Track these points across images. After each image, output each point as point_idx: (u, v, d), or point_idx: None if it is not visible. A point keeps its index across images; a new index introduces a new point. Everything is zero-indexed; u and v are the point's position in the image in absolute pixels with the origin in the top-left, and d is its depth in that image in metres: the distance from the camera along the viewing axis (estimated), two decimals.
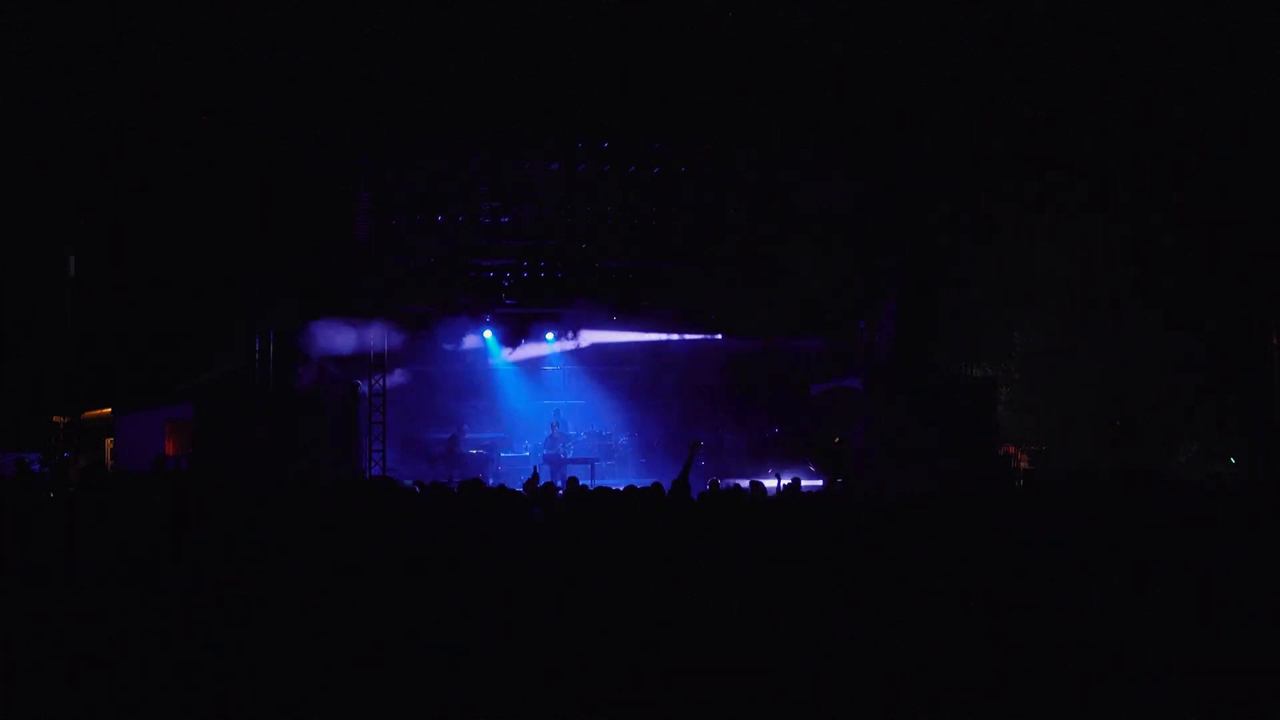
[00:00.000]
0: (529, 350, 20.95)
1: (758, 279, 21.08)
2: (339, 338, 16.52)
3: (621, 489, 8.05)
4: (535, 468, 14.34)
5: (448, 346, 20.21)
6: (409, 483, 9.08)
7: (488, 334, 20.35)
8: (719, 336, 21.43)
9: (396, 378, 17.64)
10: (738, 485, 9.48)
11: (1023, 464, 18.30)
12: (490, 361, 20.77)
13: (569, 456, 18.18)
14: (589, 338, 21.03)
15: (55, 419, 18.24)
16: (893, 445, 16.43)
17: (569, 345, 21.07)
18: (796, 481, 11.73)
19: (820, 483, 15.73)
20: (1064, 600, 5.67)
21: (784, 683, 5.02)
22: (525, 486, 9.95)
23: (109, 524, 6.97)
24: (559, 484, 9.99)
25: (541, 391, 20.68)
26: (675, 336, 21.51)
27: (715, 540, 6.51)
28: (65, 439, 17.97)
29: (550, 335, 20.78)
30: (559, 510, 7.59)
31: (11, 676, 4.86)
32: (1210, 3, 14.93)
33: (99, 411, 18.58)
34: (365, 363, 15.75)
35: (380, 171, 15.73)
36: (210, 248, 17.16)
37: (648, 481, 12.83)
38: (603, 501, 7.66)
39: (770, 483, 10.86)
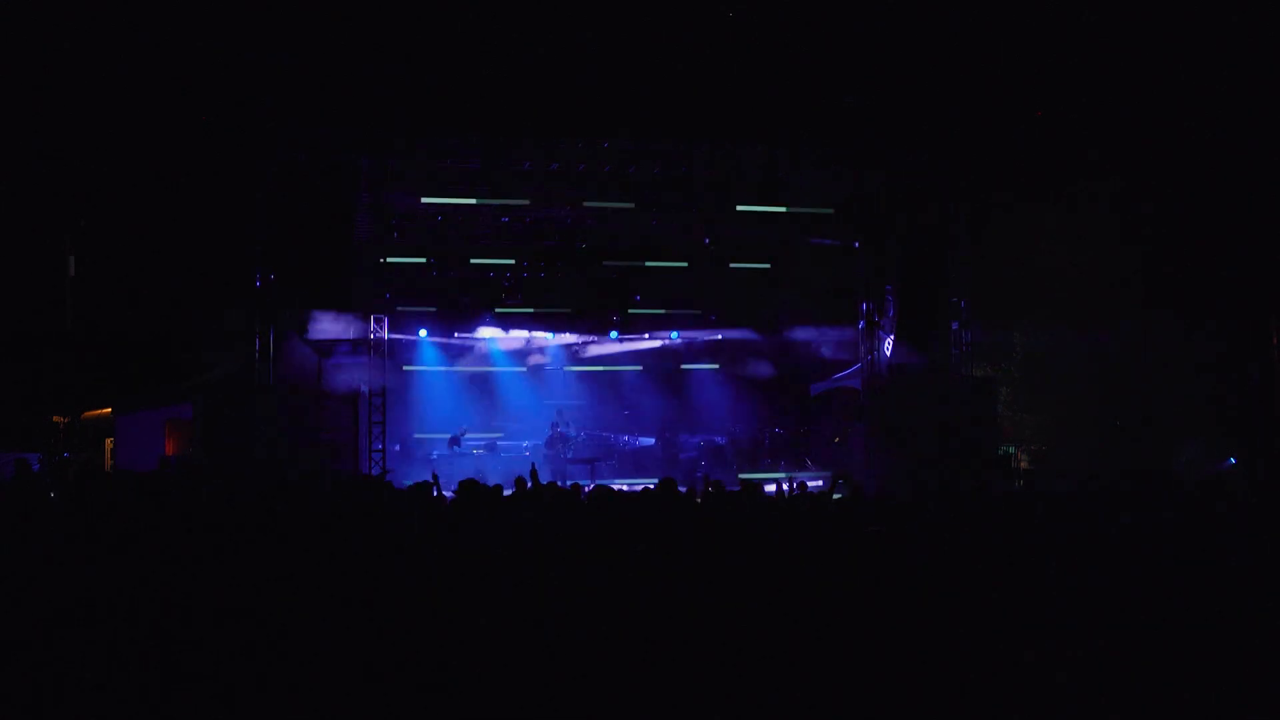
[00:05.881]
0: (529, 349, 20.98)
1: (757, 278, 21.11)
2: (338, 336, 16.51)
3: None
4: (534, 465, 14.31)
5: (447, 346, 20.23)
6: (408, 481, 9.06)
7: (489, 333, 20.35)
8: (719, 336, 21.44)
9: (394, 377, 17.61)
10: (748, 483, 9.45)
11: (1023, 464, 18.28)
12: (490, 362, 20.78)
13: (569, 456, 18.15)
14: (588, 339, 21.07)
15: (55, 419, 18.24)
16: (893, 445, 16.42)
17: (571, 345, 21.11)
18: (793, 482, 11.70)
19: (821, 483, 15.73)
20: (1064, 600, 5.67)
21: (783, 682, 5.02)
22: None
23: (109, 524, 6.96)
24: (559, 484, 9.98)
25: (542, 391, 20.67)
26: (676, 336, 21.52)
27: (716, 541, 6.50)
28: (65, 439, 17.97)
29: (549, 335, 20.80)
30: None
31: (12, 676, 4.86)
32: (1210, 3, 14.93)
33: (99, 411, 18.57)
34: (365, 362, 15.75)
35: (380, 171, 15.73)
36: (210, 247, 17.16)
37: (648, 481, 12.79)
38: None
39: (771, 486, 10.83)
